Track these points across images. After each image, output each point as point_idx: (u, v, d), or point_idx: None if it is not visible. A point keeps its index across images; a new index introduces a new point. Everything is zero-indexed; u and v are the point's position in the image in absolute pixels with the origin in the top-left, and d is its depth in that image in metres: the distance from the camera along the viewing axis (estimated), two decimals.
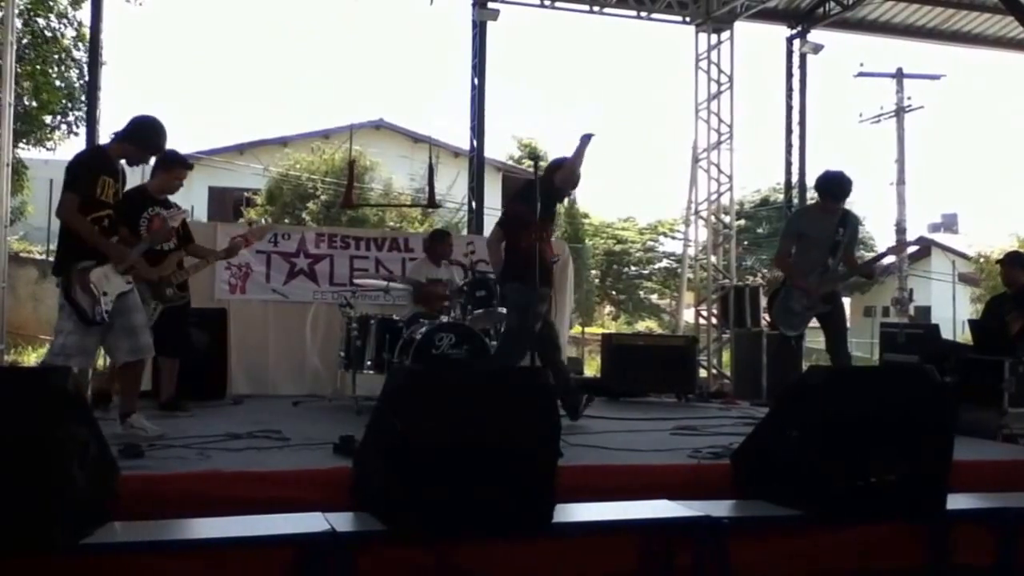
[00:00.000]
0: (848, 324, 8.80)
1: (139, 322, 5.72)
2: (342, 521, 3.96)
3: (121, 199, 6.41)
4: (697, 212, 13.06)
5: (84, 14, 15.35)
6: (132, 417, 5.67)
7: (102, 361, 7.41)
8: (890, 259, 7.31)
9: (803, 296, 7.37)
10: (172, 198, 7.10)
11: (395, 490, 3.93)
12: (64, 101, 16.13)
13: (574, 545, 4.53)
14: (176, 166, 6.91)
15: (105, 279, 5.50)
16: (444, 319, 7.74)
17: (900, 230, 27.41)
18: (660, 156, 74.60)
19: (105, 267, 5.51)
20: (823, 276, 7.33)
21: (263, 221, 19.53)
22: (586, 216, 30.19)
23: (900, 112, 28.22)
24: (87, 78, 12.65)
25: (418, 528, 3.93)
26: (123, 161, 5.78)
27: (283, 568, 3.96)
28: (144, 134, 5.73)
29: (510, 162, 27.80)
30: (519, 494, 4.02)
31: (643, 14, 12.70)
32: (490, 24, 11.97)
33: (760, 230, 30.96)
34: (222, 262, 8.90)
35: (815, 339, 10.04)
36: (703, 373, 11.64)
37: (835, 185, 7.42)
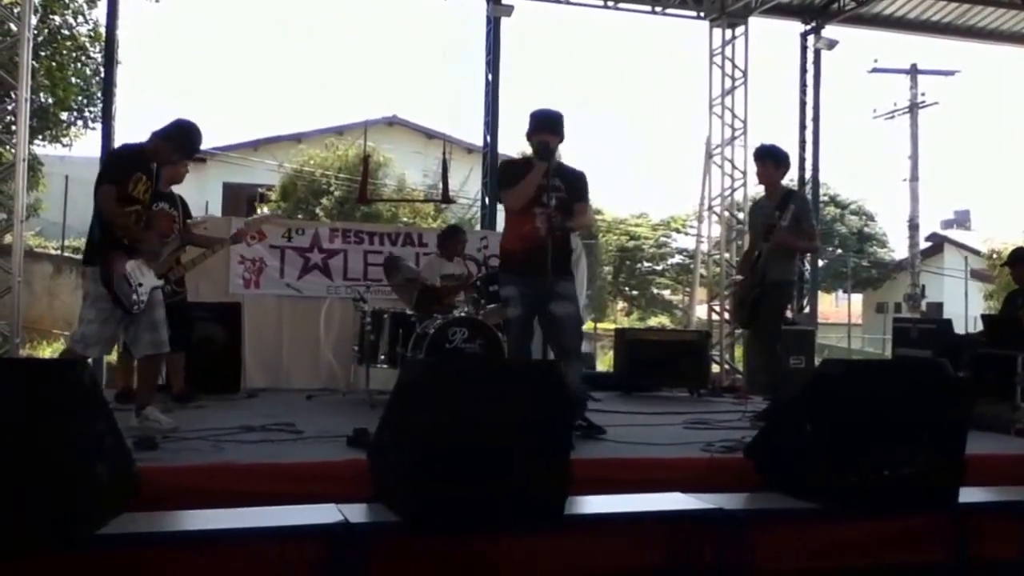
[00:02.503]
0: (859, 320, 8.82)
1: (161, 317, 5.77)
2: (356, 512, 3.99)
3: None
4: (711, 208, 13.04)
5: (100, 12, 15.44)
6: (147, 410, 5.70)
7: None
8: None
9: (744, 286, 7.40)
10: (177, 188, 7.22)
11: (408, 482, 3.95)
12: (80, 98, 16.22)
13: (587, 537, 4.53)
14: None
15: (139, 271, 5.56)
16: (457, 314, 7.77)
17: (913, 226, 27.38)
18: (674, 152, 74.57)
19: (138, 259, 5.58)
20: (757, 262, 7.17)
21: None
22: (599, 212, 30.17)
23: (914, 108, 28.16)
24: (103, 75, 12.70)
25: (431, 519, 3.95)
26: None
27: (297, 560, 3.98)
28: (185, 137, 5.81)
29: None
30: (531, 486, 4.03)
31: (657, 9, 12.67)
32: (504, 20, 11.97)
33: None
34: (236, 257, 9.02)
35: (826, 334, 10.03)
36: (716, 368, 11.65)
37: (769, 150, 7.33)
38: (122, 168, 5.63)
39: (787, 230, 6.91)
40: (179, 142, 5.76)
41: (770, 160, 7.26)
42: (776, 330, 7.27)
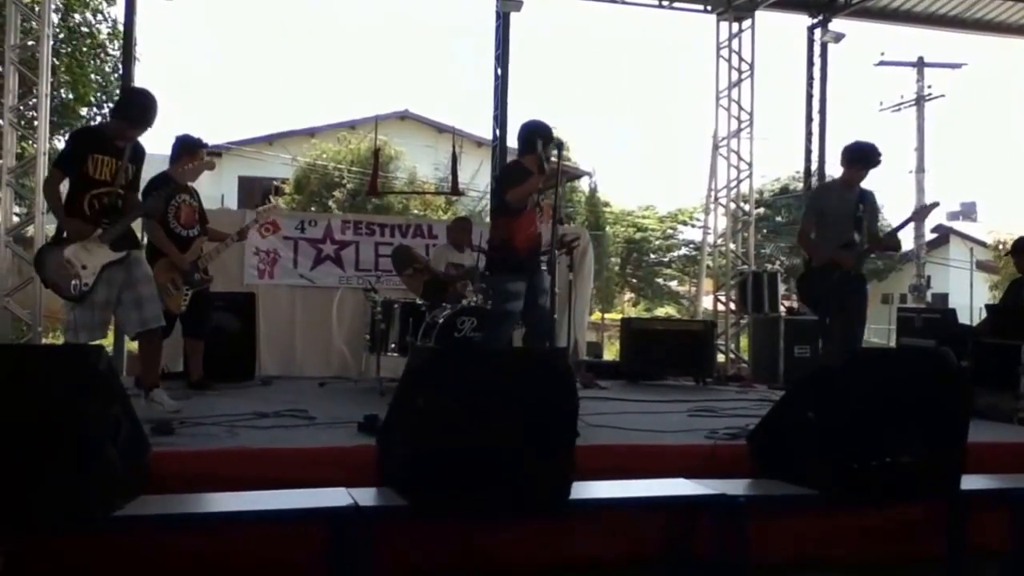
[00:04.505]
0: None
1: (146, 293, 5.73)
2: (365, 496, 4.00)
3: (147, 185, 6.40)
4: (717, 199, 13.12)
5: (118, 9, 15.58)
6: (154, 392, 5.73)
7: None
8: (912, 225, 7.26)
9: (834, 270, 7.29)
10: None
11: (416, 467, 3.96)
12: (99, 94, 16.36)
13: (592, 522, 4.62)
14: (198, 149, 6.95)
15: (85, 252, 5.53)
16: (466, 303, 7.85)
17: None
18: (681, 145, 74.42)
19: (85, 241, 5.54)
20: (852, 251, 7.28)
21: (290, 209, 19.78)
22: (607, 204, 30.25)
23: (920, 101, 28.08)
24: (121, 71, 12.85)
25: (438, 504, 3.97)
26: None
27: (308, 542, 4.07)
28: (130, 108, 5.73)
29: None
30: (536, 473, 4.04)
31: (665, 3, 12.72)
32: (513, 15, 12.02)
33: (779, 218, 30.88)
34: (250, 248, 9.17)
35: None
36: (721, 357, 11.72)
37: (869, 152, 7.40)
38: (69, 152, 5.67)
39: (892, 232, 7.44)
40: (128, 114, 5.69)
41: (870, 163, 7.46)
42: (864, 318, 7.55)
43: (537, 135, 6.42)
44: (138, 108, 5.69)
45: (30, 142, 9.86)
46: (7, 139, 9.23)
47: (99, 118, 16.75)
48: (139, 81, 11.25)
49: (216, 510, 3.91)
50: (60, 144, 15.98)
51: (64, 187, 5.68)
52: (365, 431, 5.20)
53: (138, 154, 5.81)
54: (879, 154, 7.43)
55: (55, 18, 11.81)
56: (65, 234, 5.55)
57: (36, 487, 3.46)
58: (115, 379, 3.87)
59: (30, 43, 9.60)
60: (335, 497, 3.97)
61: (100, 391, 3.64)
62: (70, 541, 3.94)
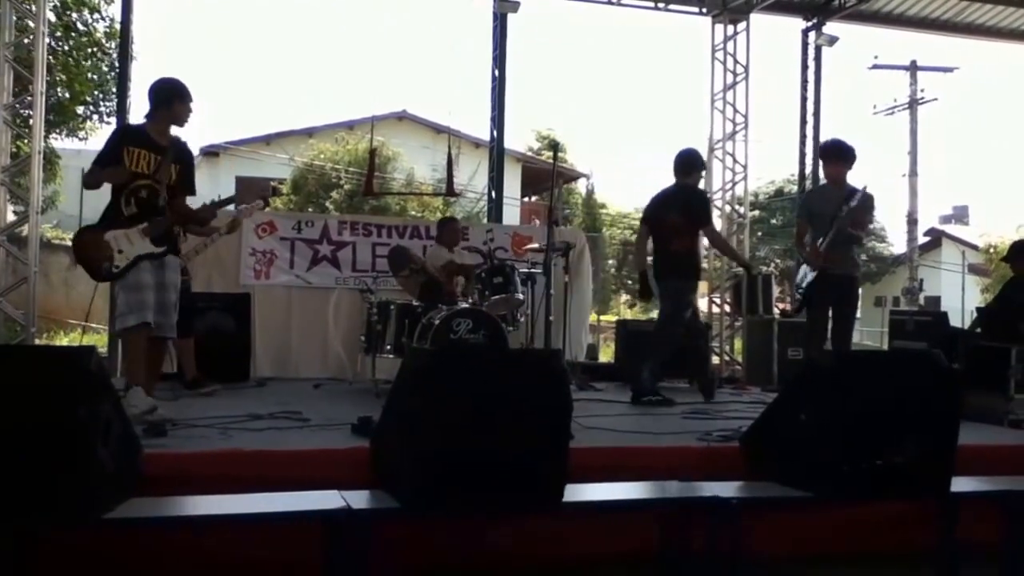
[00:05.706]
0: (858, 313, 8.86)
1: (169, 301, 5.76)
2: (358, 499, 3.97)
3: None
4: (712, 201, 13.13)
5: (115, 8, 15.62)
6: (132, 390, 5.57)
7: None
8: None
9: (818, 272, 7.38)
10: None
11: (409, 468, 3.96)
12: (96, 92, 16.38)
13: (585, 524, 4.63)
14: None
15: (125, 239, 5.58)
16: (462, 304, 7.85)
17: (912, 221, 27.45)
18: (677, 147, 74.29)
19: (127, 230, 5.59)
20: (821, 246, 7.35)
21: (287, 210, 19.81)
22: (603, 206, 30.31)
23: (913, 104, 28.18)
24: (118, 70, 12.86)
25: (431, 505, 3.96)
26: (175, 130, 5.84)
27: (300, 544, 4.07)
28: (168, 91, 5.76)
29: (529, 153, 27.94)
30: (531, 474, 4.02)
31: (660, 5, 12.73)
32: (510, 16, 12.03)
33: (774, 221, 30.95)
34: (247, 249, 9.19)
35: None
36: (715, 359, 11.72)
37: (835, 147, 7.56)
38: (107, 146, 5.71)
39: (844, 218, 7.30)
40: (161, 97, 5.75)
41: (840, 158, 7.53)
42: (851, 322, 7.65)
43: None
44: (175, 87, 5.79)
45: (25, 141, 9.86)
46: (2, 138, 9.22)
47: (95, 117, 16.81)
48: (136, 80, 11.27)
49: (208, 513, 3.89)
50: (55, 143, 16.07)
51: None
52: (359, 433, 5.19)
53: (184, 155, 5.88)
54: (848, 147, 7.54)
55: (51, 16, 11.77)
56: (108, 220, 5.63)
57: (24, 489, 3.43)
58: (106, 380, 3.82)
59: (25, 40, 9.60)
60: (327, 499, 3.94)
61: (90, 391, 3.61)
62: (59, 544, 3.92)
